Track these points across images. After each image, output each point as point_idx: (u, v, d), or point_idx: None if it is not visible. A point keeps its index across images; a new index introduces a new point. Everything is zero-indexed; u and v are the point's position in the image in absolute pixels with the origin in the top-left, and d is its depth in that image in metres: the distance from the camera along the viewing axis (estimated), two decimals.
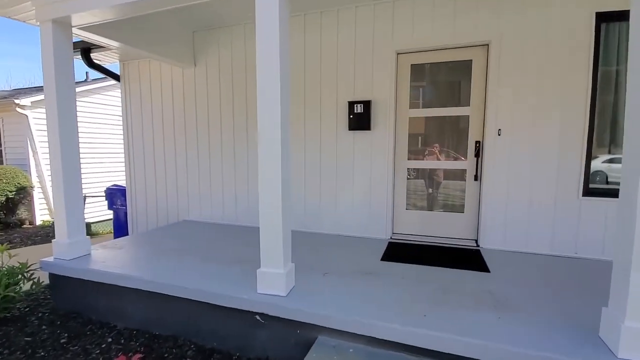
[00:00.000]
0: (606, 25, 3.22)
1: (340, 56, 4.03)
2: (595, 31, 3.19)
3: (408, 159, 4.02)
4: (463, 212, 3.86)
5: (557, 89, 3.31)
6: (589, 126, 3.24)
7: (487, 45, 3.55)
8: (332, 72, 4.08)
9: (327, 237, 4.08)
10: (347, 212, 4.16)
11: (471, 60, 3.67)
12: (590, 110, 3.24)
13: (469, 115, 3.74)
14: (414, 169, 4.08)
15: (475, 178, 3.73)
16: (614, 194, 3.26)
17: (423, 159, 4.01)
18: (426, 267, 3.06)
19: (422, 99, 4.04)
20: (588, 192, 3.28)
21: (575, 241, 3.34)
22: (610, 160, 3.43)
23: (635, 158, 1.70)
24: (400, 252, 3.52)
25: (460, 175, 3.89)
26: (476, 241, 3.76)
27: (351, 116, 3.95)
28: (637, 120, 1.70)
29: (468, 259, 3.30)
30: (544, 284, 2.69)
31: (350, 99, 3.99)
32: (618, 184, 1.84)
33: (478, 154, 3.70)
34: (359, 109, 3.90)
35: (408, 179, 4.06)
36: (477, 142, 3.71)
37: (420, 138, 4.08)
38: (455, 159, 3.89)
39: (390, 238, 4.02)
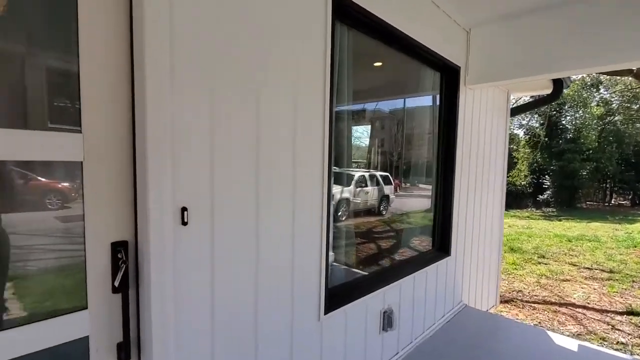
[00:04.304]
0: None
1: None
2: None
3: None
4: None
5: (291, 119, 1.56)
6: (327, 193, 1.80)
7: None
8: None
9: None
10: None
11: None
12: (328, 168, 1.78)
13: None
14: None
15: (125, 356, 1.22)
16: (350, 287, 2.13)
17: None
18: None
19: None
20: (331, 304, 1.88)
21: None
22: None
23: None
24: None
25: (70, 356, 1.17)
26: None
27: None
28: None
29: None
30: None
31: None
32: None
33: (125, 284, 1.19)
34: None
35: None
36: (118, 248, 1.18)
37: None
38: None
39: None
